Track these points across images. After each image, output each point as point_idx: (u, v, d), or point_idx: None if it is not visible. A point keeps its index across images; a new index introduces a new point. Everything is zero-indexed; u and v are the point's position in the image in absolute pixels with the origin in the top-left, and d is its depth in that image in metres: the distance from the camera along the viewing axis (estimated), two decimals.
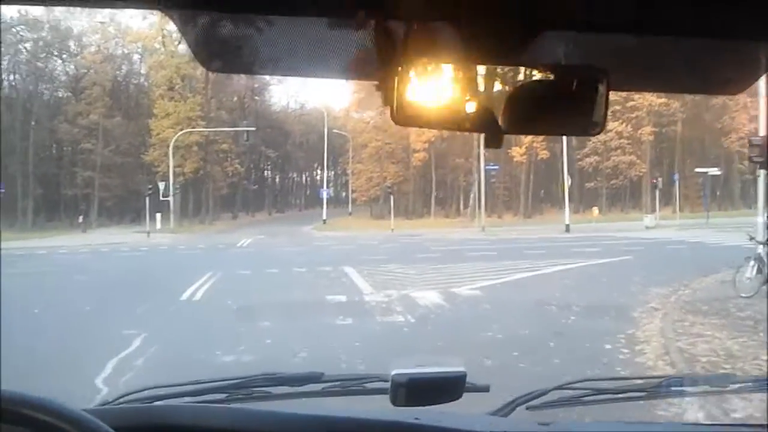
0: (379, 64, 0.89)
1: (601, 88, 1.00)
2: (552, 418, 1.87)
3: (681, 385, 2.04)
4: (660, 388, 2.01)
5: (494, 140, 0.99)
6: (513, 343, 9.40)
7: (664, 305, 12.52)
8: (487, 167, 46.44)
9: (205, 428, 1.55)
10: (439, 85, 0.91)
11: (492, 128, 0.97)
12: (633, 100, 57.70)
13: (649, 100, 57.16)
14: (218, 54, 1.00)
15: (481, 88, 0.93)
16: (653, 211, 57.56)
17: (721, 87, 1.29)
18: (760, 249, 13.66)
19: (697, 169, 47.62)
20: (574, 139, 59.53)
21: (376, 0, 0.89)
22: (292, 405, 1.90)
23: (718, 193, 54.47)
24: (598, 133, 1.05)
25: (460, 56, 0.90)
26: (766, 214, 17.04)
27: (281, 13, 0.92)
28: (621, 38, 0.99)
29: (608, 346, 9.24)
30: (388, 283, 16.56)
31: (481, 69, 0.93)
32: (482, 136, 1.05)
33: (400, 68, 0.90)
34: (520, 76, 0.99)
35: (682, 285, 14.84)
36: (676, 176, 46.31)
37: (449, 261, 21.70)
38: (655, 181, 45.68)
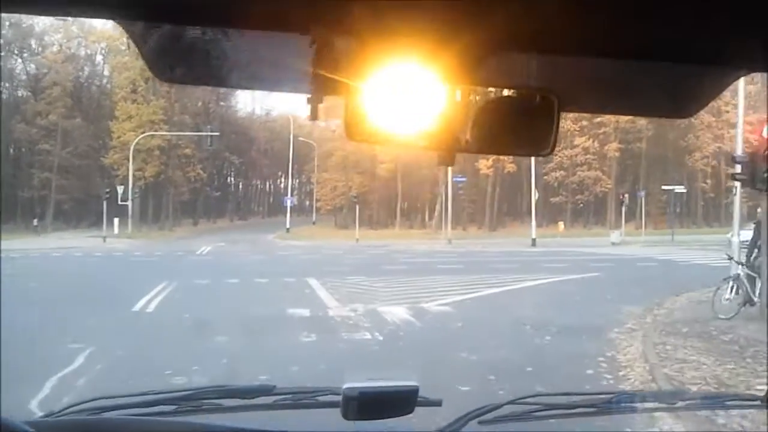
0: (325, 79, 0.88)
1: (553, 110, 1.00)
2: None
3: (632, 401, 2.05)
4: (611, 404, 2.01)
5: (446, 158, 0.98)
6: (488, 365, 8.75)
7: (641, 326, 11.99)
8: (454, 179, 46.01)
9: None
10: (389, 101, 0.89)
11: (444, 146, 0.96)
12: (601, 116, 57.83)
13: (616, 116, 57.28)
14: (172, 66, 0.98)
15: (435, 106, 0.91)
16: (618, 227, 57.96)
17: (671, 111, 1.26)
18: (738, 269, 13.25)
19: (664, 187, 47.66)
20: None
21: (330, 15, 0.87)
22: (243, 418, 1.84)
23: (678, 210, 54.64)
24: (549, 155, 1.04)
25: (410, 74, 0.88)
26: (740, 234, 16.75)
27: (235, 27, 0.93)
28: (573, 61, 0.98)
29: (590, 371, 8.66)
30: (354, 296, 15.85)
31: (436, 87, 0.91)
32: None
33: (351, 83, 0.90)
34: (471, 95, 0.99)
35: (656, 304, 14.37)
36: (642, 193, 46.23)
37: (417, 274, 21.06)
38: (622, 197, 45.52)
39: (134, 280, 18.85)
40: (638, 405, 2.12)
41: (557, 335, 11.11)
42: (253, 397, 1.93)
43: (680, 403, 2.10)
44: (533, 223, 40.41)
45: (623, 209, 45.44)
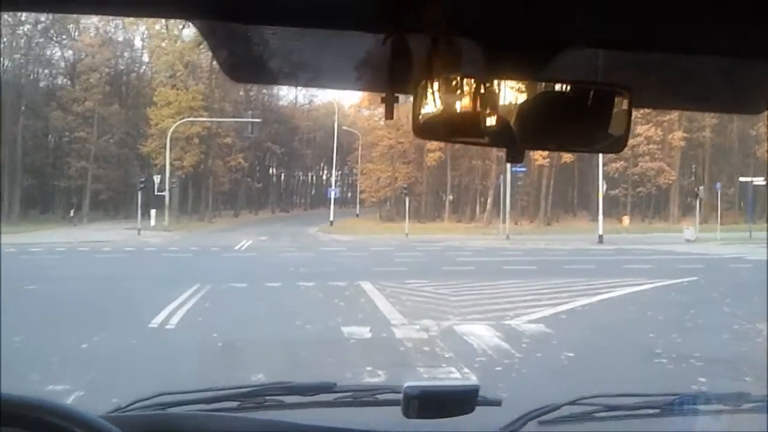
0: (398, 78, 0.90)
1: (624, 105, 1.00)
2: None
3: (694, 403, 2.02)
4: (673, 406, 1.99)
5: (515, 155, 0.98)
6: None
7: None
8: (513, 169, 42.72)
9: None
10: (459, 99, 0.91)
11: (512, 143, 0.96)
12: None
13: None
14: (242, 64, 1.00)
15: (502, 102, 0.92)
16: (682, 221, 54.36)
17: (742, 106, 1.25)
18: None
19: (742, 179, 43.75)
20: None
21: (397, 14, 0.89)
22: (304, 414, 1.84)
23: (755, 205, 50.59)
24: (620, 151, 1.04)
25: (480, 71, 0.90)
26: None
27: (304, 26, 0.95)
28: (643, 55, 0.99)
29: None
30: (421, 307, 13.05)
31: (502, 84, 0.92)
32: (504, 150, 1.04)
33: (422, 81, 0.91)
34: (541, 92, 0.98)
35: None
36: (719, 185, 42.38)
37: (485, 277, 18.14)
38: (697, 190, 41.81)
39: (161, 283, 16.23)
40: (701, 407, 2.04)
41: (713, 375, 8.12)
42: (314, 395, 1.92)
43: (746, 405, 2.03)
44: (600, 218, 36.98)
45: (698, 202, 41.74)
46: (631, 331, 10.95)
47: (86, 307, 12.62)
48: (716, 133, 59.53)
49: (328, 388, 1.95)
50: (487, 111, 0.93)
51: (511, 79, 0.92)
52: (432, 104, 0.92)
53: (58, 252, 25.50)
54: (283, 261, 23.06)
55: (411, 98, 0.96)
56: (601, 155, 40.23)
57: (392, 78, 0.90)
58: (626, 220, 45.34)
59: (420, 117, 0.92)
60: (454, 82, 0.91)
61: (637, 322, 11.98)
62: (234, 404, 1.87)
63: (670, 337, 10.39)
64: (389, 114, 0.92)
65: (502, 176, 41.07)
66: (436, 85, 0.91)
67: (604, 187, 39.13)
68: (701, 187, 42.28)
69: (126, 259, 23.92)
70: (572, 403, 1.97)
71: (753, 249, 29.98)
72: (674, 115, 55.58)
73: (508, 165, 41.94)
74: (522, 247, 32.28)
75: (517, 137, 0.96)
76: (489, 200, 55.69)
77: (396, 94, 0.93)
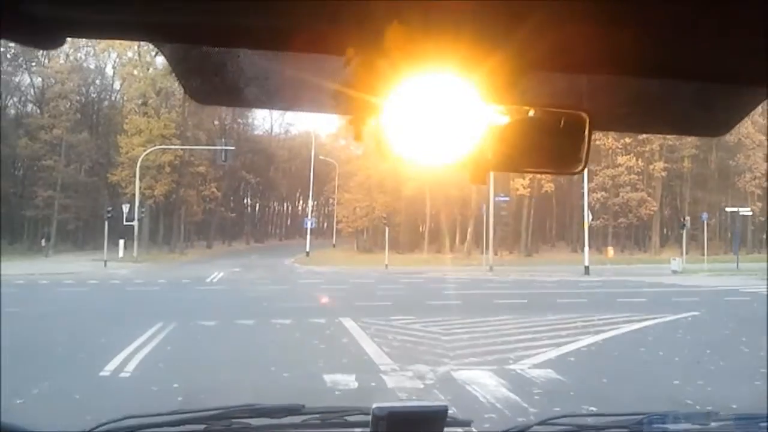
0: (362, 99, 0.90)
1: (584, 128, 1.02)
2: None
3: (663, 422, 2.01)
4: (642, 425, 1.96)
5: (479, 176, 0.98)
6: None
7: None
8: (496, 198, 41.59)
9: None
10: (424, 121, 0.90)
11: (477, 164, 0.96)
12: (642, 134, 53.66)
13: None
14: (207, 87, 1.00)
15: (468, 124, 0.92)
16: (663, 252, 53.67)
17: (703, 129, 1.29)
18: None
19: (728, 209, 42.99)
20: (576, 175, 55.50)
21: (364, 36, 0.89)
22: None
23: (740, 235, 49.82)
24: (580, 173, 1.08)
25: (445, 93, 0.90)
26: None
27: (272, 49, 0.96)
28: (603, 79, 1.01)
29: None
30: (411, 350, 11.68)
31: (469, 106, 0.92)
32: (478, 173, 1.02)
33: (383, 102, 0.91)
34: (506, 114, 1.01)
35: None
36: (705, 216, 41.53)
37: (475, 312, 16.78)
38: (683, 220, 40.88)
39: (120, 321, 14.69)
40: (670, 426, 2.01)
41: None
42: (282, 416, 1.90)
43: (713, 425, 2.04)
44: (586, 249, 35.84)
45: (684, 233, 40.84)
46: (652, 378, 9.65)
47: (31, 351, 11.05)
48: (696, 164, 59.13)
49: (296, 410, 1.92)
50: (450, 132, 0.90)
51: (475, 101, 0.90)
52: (394, 125, 0.90)
53: (15, 285, 23.77)
54: (258, 295, 21.56)
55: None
56: (586, 184, 39.69)
57: (358, 99, 0.88)
58: (610, 251, 44.27)
59: (382, 139, 0.90)
60: (415, 103, 0.89)
61: (653, 366, 10.69)
62: (201, 427, 1.83)
63: (696, 384, 9.13)
64: (358, 135, 0.91)
65: (485, 206, 39.84)
66: (397, 106, 0.89)
67: (590, 218, 38.08)
68: (687, 218, 41.36)
69: (87, 293, 22.23)
70: (541, 423, 1.96)
71: (744, 281, 29.06)
72: (655, 145, 55.17)
73: (491, 194, 41.11)
74: (507, 278, 31.07)
75: (480, 158, 0.94)
76: (469, 230, 54.57)
77: (364, 116, 0.91)
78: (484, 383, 9.06)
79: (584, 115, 1.01)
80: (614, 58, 0.96)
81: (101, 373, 9.41)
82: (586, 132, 1.02)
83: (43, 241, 48.59)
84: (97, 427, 1.77)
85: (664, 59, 0.98)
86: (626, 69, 0.98)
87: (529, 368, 10.18)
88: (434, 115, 0.91)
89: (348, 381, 9.14)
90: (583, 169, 1.05)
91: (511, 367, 10.23)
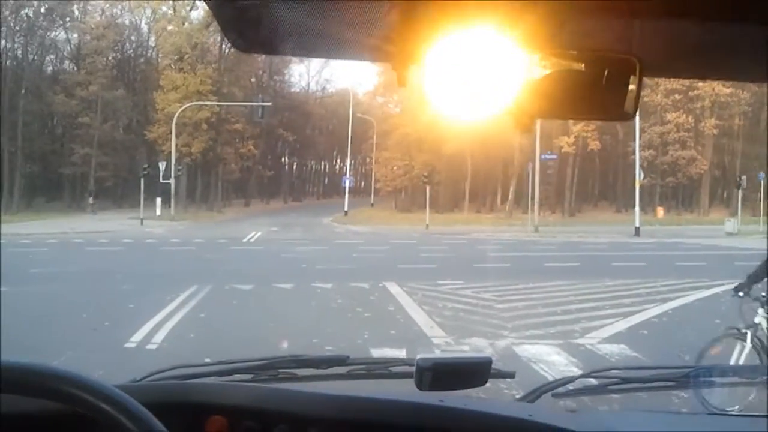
0: (404, 44, 0.88)
1: (635, 73, 0.99)
2: (578, 406, 1.87)
3: (709, 376, 2.00)
4: (688, 378, 1.95)
5: (524, 123, 0.95)
6: None
7: None
8: (542, 156, 40.03)
9: (232, 406, 1.52)
10: (465, 69, 0.88)
11: (522, 111, 0.94)
12: (697, 88, 51.47)
13: (715, 88, 50.76)
14: (249, 34, 0.98)
15: (514, 71, 0.90)
16: (708, 213, 51.87)
17: (758, 75, 1.22)
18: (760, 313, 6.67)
19: None
20: (621, 132, 53.56)
21: None
22: (318, 387, 1.83)
23: None
24: (631, 119, 1.04)
25: (490, 40, 0.88)
26: None
27: None
28: (655, 23, 0.96)
29: None
30: (463, 318, 10.67)
31: (514, 53, 0.89)
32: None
33: (427, 49, 0.89)
34: (552, 60, 0.99)
35: None
36: (762, 175, 39.50)
37: (527, 276, 15.71)
38: (739, 179, 38.95)
39: (152, 285, 13.92)
40: (716, 379, 2.03)
41: None
42: (327, 367, 1.91)
43: (760, 378, 2.05)
44: (637, 209, 34.30)
45: (739, 193, 39.03)
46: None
47: (49, 319, 10.27)
48: (748, 121, 56.74)
49: (342, 360, 1.93)
50: (495, 79, 0.88)
51: (520, 47, 0.87)
52: (440, 74, 0.87)
53: (47, 245, 23.22)
54: (296, 256, 20.70)
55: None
56: (638, 140, 37.86)
57: (399, 47, 0.87)
58: (660, 211, 42.60)
59: (428, 88, 0.88)
60: (460, 51, 0.86)
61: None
62: (248, 376, 1.85)
63: None
64: (401, 80, 0.89)
65: (530, 164, 38.35)
66: (441, 53, 0.86)
67: (642, 176, 36.41)
68: (744, 177, 39.37)
69: (120, 253, 21.49)
70: (586, 375, 1.99)
71: None
72: (707, 101, 52.94)
73: (537, 151, 39.57)
74: (553, 240, 29.83)
75: (525, 105, 0.91)
76: (511, 189, 53.17)
77: (406, 62, 0.88)
78: (551, 361, 8.03)
79: (634, 59, 0.96)
80: (666, 1, 0.90)
81: (126, 345, 8.56)
82: (637, 77, 0.97)
83: (90, 198, 48.30)
84: (146, 377, 1.79)
85: (716, 1, 0.91)
86: (677, 11, 0.90)
87: (599, 343, 9.11)
88: (478, 64, 0.87)
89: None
90: (633, 116, 0.99)
91: (579, 341, 9.17)
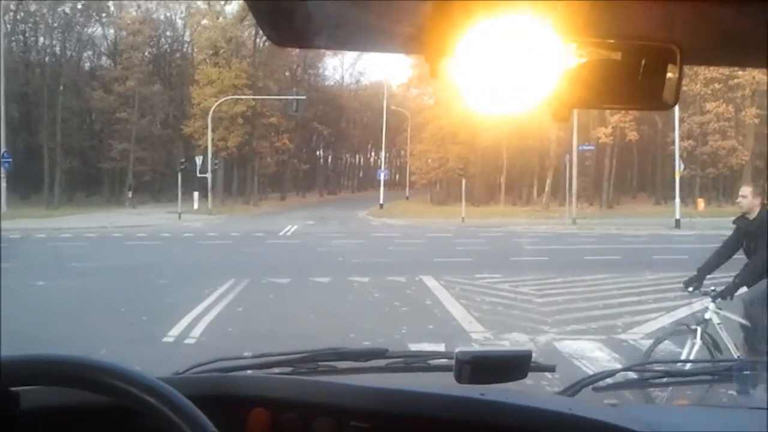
0: (437, 35, 0.87)
1: (675, 61, 0.96)
2: (619, 400, 1.86)
3: (753, 369, 1.98)
4: (731, 372, 1.94)
5: (562, 114, 0.93)
6: None
7: None
8: (580, 148, 39.50)
9: (274, 399, 1.54)
10: (500, 61, 0.87)
11: (559, 102, 0.92)
12: (737, 77, 50.40)
13: (755, 77, 49.65)
14: (284, 28, 0.97)
15: (550, 60, 0.88)
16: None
17: None
18: (709, 308, 6.48)
19: None
20: (660, 122, 52.70)
21: None
22: (357, 379, 1.81)
23: None
24: (671, 108, 1.00)
25: (526, 28, 0.87)
26: None
27: None
28: (697, 8, 0.93)
29: None
30: (503, 314, 10.52)
31: (550, 41, 0.88)
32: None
33: (460, 40, 0.88)
34: (589, 49, 0.96)
35: None
36: None
37: (566, 271, 15.47)
38: None
39: (189, 279, 13.98)
40: (760, 373, 1.98)
41: None
42: (366, 360, 1.94)
43: None
44: (677, 200, 33.69)
45: None
46: None
47: (86, 314, 10.35)
48: None
49: (381, 353, 1.95)
50: (532, 69, 0.86)
51: (556, 35, 0.85)
52: (474, 66, 0.85)
53: (86, 239, 23.50)
54: (332, 249, 20.67)
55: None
56: (677, 130, 37.20)
57: (433, 39, 0.85)
58: (701, 203, 41.74)
59: (464, 78, 0.86)
60: (496, 43, 0.84)
61: None
62: (288, 369, 1.87)
63: None
64: (434, 72, 0.87)
65: (568, 155, 37.88)
66: (477, 45, 0.85)
67: (682, 167, 35.72)
68: None
69: (157, 247, 21.69)
70: (627, 369, 2.05)
71: None
72: (747, 90, 51.80)
73: (575, 142, 39.11)
74: (592, 232, 29.42)
75: (563, 95, 0.89)
76: (548, 182, 52.63)
77: (439, 54, 0.86)
78: (594, 357, 7.87)
79: (674, 47, 0.94)
80: None
81: (164, 339, 8.58)
82: (678, 65, 0.94)
83: (129, 193, 48.96)
84: (190, 369, 1.81)
85: None
86: None
87: (642, 338, 8.92)
88: (512, 54, 0.85)
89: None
90: (673, 105, 0.96)
91: (622, 337, 9.01)
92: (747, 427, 1.72)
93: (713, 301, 6.40)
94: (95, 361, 1.08)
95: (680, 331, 6.49)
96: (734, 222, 6.97)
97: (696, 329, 6.22)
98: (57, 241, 22.17)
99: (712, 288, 6.50)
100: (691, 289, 6.56)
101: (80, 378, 1.07)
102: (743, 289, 6.55)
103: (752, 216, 6.69)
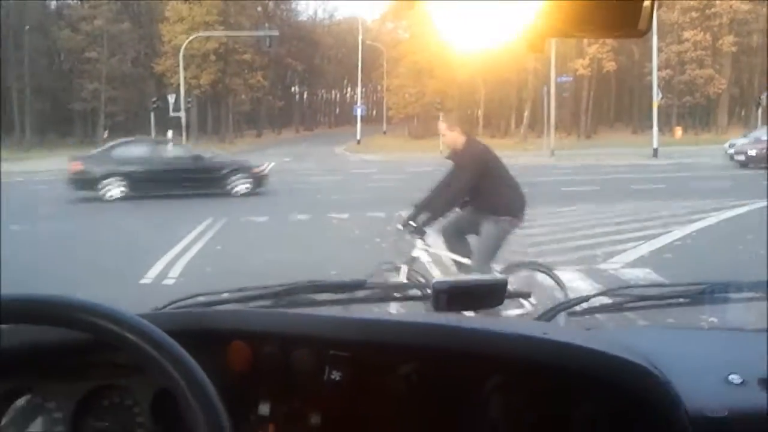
0: None
1: None
2: (595, 324, 1.94)
3: (725, 292, 1.97)
4: (703, 295, 1.95)
5: (536, 43, 0.93)
6: None
7: None
8: (558, 79, 39.25)
9: (253, 332, 1.53)
10: None
11: (533, 32, 0.91)
12: (714, 6, 50.12)
13: (732, 5, 49.45)
14: None
15: None
16: (725, 133, 50.89)
17: None
18: (417, 246, 6.23)
19: None
20: (637, 52, 52.48)
21: None
22: (336, 311, 1.78)
23: None
24: (644, 35, 0.97)
25: None
26: None
27: None
28: None
29: None
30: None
31: None
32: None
33: None
34: None
35: None
36: None
37: (548, 202, 15.48)
38: (760, 98, 38.17)
39: (163, 220, 13.83)
40: (732, 295, 1.97)
41: None
42: (345, 292, 1.98)
43: None
44: (654, 129, 33.69)
45: (759, 112, 38.29)
46: None
47: (55, 260, 10.21)
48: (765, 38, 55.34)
49: (360, 285, 1.98)
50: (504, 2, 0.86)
51: None
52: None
53: (44, 181, 23.12)
54: (311, 187, 20.53)
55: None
56: (655, 58, 36.95)
57: None
58: (678, 131, 41.87)
59: (438, 10, 0.87)
60: None
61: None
62: (267, 302, 1.90)
63: None
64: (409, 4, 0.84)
65: (546, 87, 37.67)
66: None
67: (660, 96, 35.62)
68: (764, 95, 38.52)
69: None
70: (602, 294, 2.03)
71: None
72: (724, 18, 51.55)
73: (552, 75, 38.80)
74: (569, 164, 29.49)
75: (536, 25, 0.89)
76: (526, 114, 52.51)
77: None
78: (575, 287, 7.85)
79: None
80: None
81: (142, 281, 8.47)
82: None
83: (105, 133, 48.20)
84: (168, 305, 1.80)
85: None
86: None
87: (623, 268, 8.95)
88: None
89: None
90: (647, 32, 0.93)
91: (602, 266, 9.01)
92: (721, 347, 1.73)
93: (421, 239, 6.07)
94: (72, 299, 1.07)
95: (385, 269, 5.96)
96: (447, 158, 6.49)
97: (401, 267, 5.88)
98: (33, 185, 21.81)
99: (413, 224, 6.09)
100: (402, 227, 6.17)
101: (57, 316, 1.07)
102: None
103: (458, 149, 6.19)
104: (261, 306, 1.87)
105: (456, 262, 6.22)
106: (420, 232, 6.07)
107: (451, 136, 6.18)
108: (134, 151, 18.97)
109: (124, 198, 17.74)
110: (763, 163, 23.24)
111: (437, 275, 5.81)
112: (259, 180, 18.78)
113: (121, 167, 17.95)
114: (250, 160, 21.25)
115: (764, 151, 24.57)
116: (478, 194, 6.10)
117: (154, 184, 17.62)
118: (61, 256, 10.29)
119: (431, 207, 6.17)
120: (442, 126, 6.30)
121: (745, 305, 1.94)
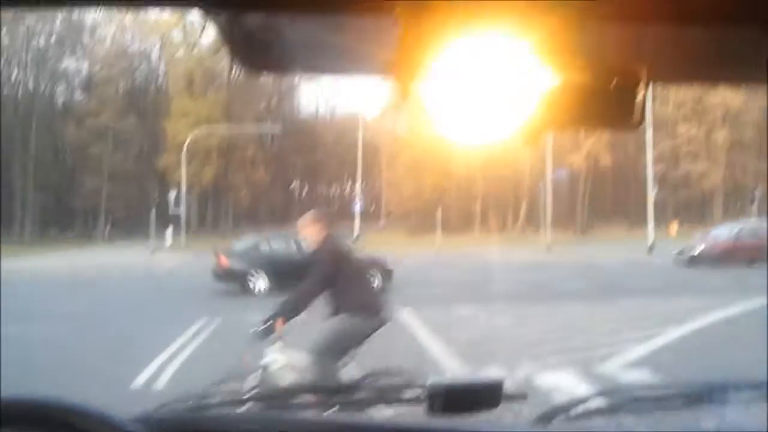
0: (409, 60, 0.87)
1: (641, 81, 0.96)
2: (591, 427, 1.91)
3: (724, 392, 1.98)
4: (702, 395, 1.97)
5: (532, 138, 0.93)
6: None
7: None
8: (554, 174, 39.77)
9: None
10: (471, 84, 0.87)
11: (529, 126, 0.92)
12: (707, 100, 51.25)
13: (725, 99, 50.54)
14: (256, 55, 0.98)
15: (518, 84, 0.89)
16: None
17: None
18: None
19: None
20: (632, 146, 53.32)
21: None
22: (330, 415, 1.86)
23: None
24: (637, 128, 0.99)
25: (492, 52, 0.87)
26: None
27: (319, 11, 0.92)
28: (662, 29, 0.96)
29: None
30: (483, 348, 10.43)
31: (518, 65, 0.89)
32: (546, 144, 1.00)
33: (432, 63, 0.87)
34: (557, 71, 0.94)
35: None
36: None
37: (540, 299, 15.66)
38: (753, 194, 38.60)
39: (159, 318, 13.78)
40: (732, 396, 1.97)
41: None
42: (339, 394, 2.03)
43: None
44: (650, 225, 33.92)
45: (754, 207, 38.61)
46: None
47: (48, 368, 10.13)
48: (761, 132, 56.24)
49: (353, 387, 2.06)
50: (501, 93, 0.86)
51: (524, 59, 0.86)
52: (445, 87, 0.86)
53: (57, 279, 23.12)
54: None
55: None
56: (650, 153, 37.50)
57: (406, 60, 0.85)
58: (674, 227, 42.06)
59: (434, 104, 0.86)
60: (467, 64, 0.85)
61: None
62: (257, 406, 1.89)
63: None
64: (405, 94, 0.86)
65: (542, 183, 38.18)
66: (449, 66, 0.85)
67: (655, 191, 36.02)
68: (756, 191, 38.96)
69: (126, 286, 21.44)
70: (600, 395, 2.04)
71: None
72: (718, 113, 52.59)
73: (549, 169, 39.38)
74: (565, 260, 29.61)
75: (532, 119, 0.89)
76: (523, 209, 52.92)
77: (411, 75, 0.86)
78: (574, 392, 7.77)
79: (641, 66, 0.94)
80: (672, 5, 0.90)
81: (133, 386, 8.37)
82: (644, 85, 0.94)
83: (107, 228, 48.69)
84: (157, 408, 1.78)
85: (725, 4, 0.90)
86: (685, 16, 0.90)
87: (621, 369, 8.90)
88: (484, 77, 0.85)
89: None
90: (639, 125, 0.96)
91: (600, 369, 8.93)
92: None
93: (274, 344, 5.66)
94: (68, 402, 1.10)
95: (238, 375, 5.35)
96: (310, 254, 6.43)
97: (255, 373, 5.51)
98: (28, 284, 21.81)
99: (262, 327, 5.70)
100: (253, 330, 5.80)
101: (52, 419, 1.09)
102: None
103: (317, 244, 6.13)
104: (252, 409, 1.88)
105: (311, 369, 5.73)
106: (268, 332, 5.66)
107: (312, 230, 6.11)
108: (275, 246, 20.26)
109: (269, 290, 17.96)
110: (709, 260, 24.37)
111: (290, 379, 5.45)
112: (388, 274, 18.83)
113: (265, 261, 19.08)
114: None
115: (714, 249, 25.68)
116: (333, 291, 5.94)
117: (296, 279, 17.60)
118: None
119: (285, 305, 5.89)
120: (304, 219, 6.22)
121: (746, 405, 1.95)
